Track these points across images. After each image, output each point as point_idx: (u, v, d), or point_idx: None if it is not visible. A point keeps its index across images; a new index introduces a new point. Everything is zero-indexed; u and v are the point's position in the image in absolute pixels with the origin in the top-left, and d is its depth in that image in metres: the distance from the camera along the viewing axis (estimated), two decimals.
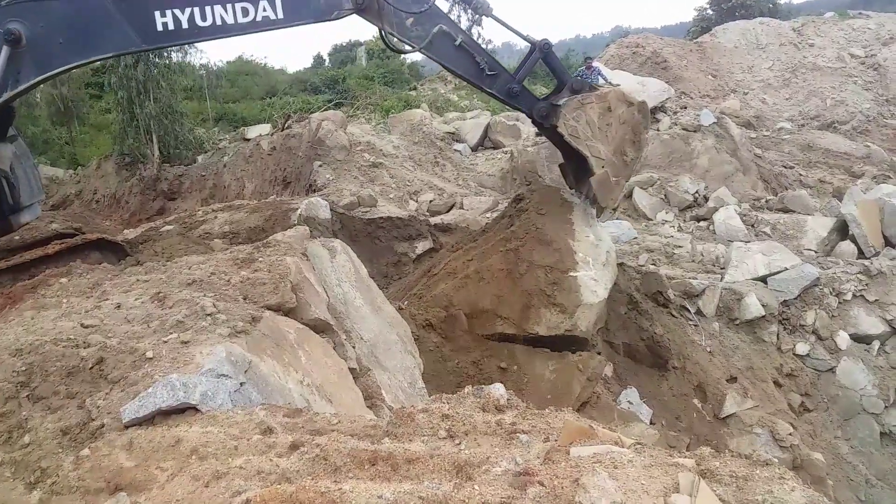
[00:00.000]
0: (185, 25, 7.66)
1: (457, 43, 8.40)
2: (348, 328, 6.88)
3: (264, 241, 7.35)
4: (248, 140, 21.49)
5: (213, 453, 3.17)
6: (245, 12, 7.73)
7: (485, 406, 3.43)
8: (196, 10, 7.61)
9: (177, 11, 7.60)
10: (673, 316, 10.63)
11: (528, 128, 22.10)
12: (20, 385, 4.10)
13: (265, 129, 22.75)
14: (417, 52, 8.66)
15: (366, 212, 11.16)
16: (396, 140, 19.16)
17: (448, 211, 14.39)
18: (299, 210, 9.42)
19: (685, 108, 20.23)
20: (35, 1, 7.56)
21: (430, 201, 15.29)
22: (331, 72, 35.36)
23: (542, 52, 8.83)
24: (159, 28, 7.64)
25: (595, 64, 18.71)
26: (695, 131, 17.33)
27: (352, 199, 11.69)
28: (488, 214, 14.47)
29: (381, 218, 10.68)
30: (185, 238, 9.10)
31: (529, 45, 8.96)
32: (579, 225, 8.97)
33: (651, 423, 8.98)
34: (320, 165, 15.99)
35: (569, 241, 8.75)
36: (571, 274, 8.52)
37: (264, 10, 7.75)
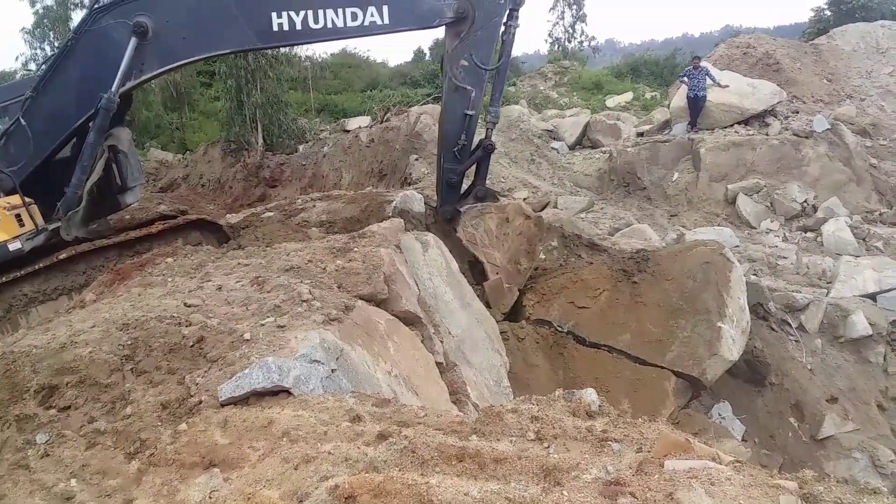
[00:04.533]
0: (298, 27, 8.14)
1: (467, 112, 8.81)
2: (437, 322, 6.91)
3: (360, 231, 7.47)
4: (348, 131, 21.89)
5: (304, 437, 3.22)
6: (354, 17, 8.18)
7: (575, 411, 3.36)
8: (310, 13, 8.09)
9: (292, 14, 8.07)
10: (773, 330, 10.17)
11: (628, 128, 21.64)
12: (125, 358, 4.30)
13: (364, 121, 23.14)
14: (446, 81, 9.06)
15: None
16: (492, 136, 19.10)
17: (542, 209, 14.23)
18: (394, 202, 9.51)
19: (797, 112, 19.29)
20: None
21: (525, 199, 15.16)
22: (431, 66, 35.55)
23: (484, 151, 9.18)
24: (275, 28, 8.13)
25: (703, 64, 18.14)
26: (806, 137, 16.52)
27: None
28: (583, 215, 14.25)
29: None
30: (284, 225, 9.35)
31: (480, 141, 9.22)
32: (735, 285, 9.01)
33: (743, 440, 8.65)
34: (416, 159, 16.11)
35: (724, 294, 8.80)
36: (718, 324, 8.54)
37: (372, 15, 8.20)
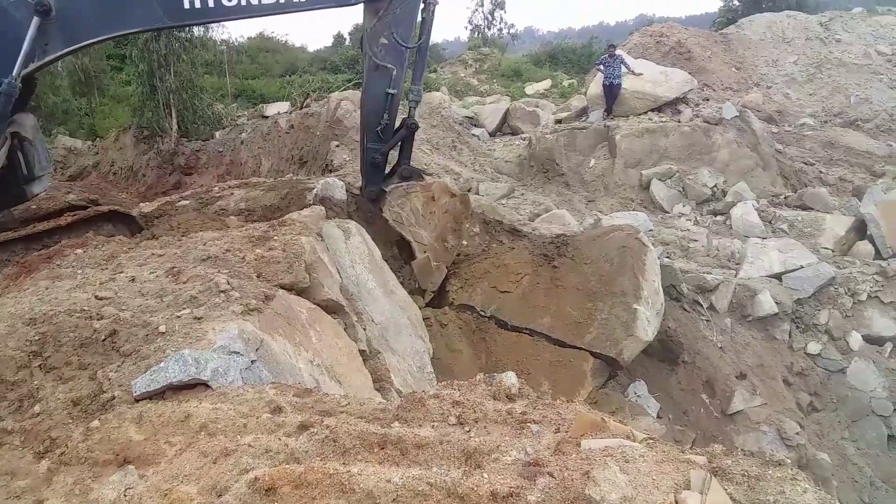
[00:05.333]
0: (211, 4, 7.74)
1: (389, 91, 8.64)
2: (360, 310, 6.89)
3: (280, 219, 7.35)
4: (267, 117, 21.44)
5: (223, 430, 3.17)
6: None
7: (496, 394, 3.41)
8: None
9: None
10: (685, 310, 10.55)
11: (546, 115, 21.96)
12: (33, 354, 4.13)
13: (284, 106, 22.71)
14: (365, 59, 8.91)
15: None
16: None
17: None
18: (315, 190, 9.38)
19: (707, 100, 20.01)
20: None
21: None
22: (351, 51, 35.14)
23: (408, 130, 9.07)
24: (186, 6, 7.70)
25: (618, 52, 18.57)
26: (716, 124, 17.14)
27: None
28: (504, 201, 14.41)
29: None
30: (200, 213, 9.10)
31: (403, 120, 9.16)
32: (650, 268, 9.21)
33: (658, 417, 8.96)
34: (337, 145, 15.94)
35: (639, 277, 8.99)
36: (634, 306, 8.73)
37: None
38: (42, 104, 26.25)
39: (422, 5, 8.66)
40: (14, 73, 7.39)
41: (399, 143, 9.19)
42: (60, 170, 23.22)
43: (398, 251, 9.52)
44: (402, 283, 8.67)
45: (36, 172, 8.50)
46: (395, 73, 8.57)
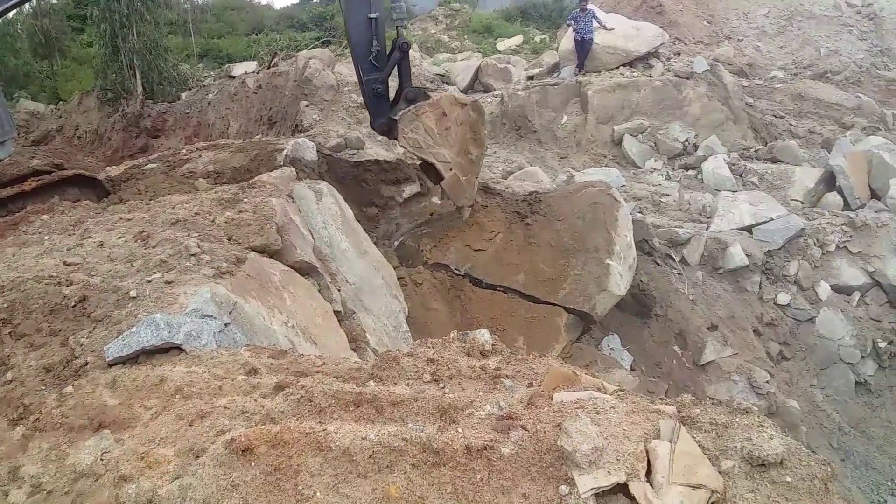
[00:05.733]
0: None
1: (371, 16, 8.36)
2: (333, 271, 6.88)
3: (249, 181, 7.28)
4: (234, 77, 21.00)
5: (198, 393, 3.17)
6: None
7: (469, 351, 3.44)
8: None
9: None
10: (657, 264, 10.67)
11: (518, 71, 21.79)
12: (2, 322, 4.08)
13: (251, 66, 22.27)
14: None
15: (353, 154, 10.98)
16: None
17: None
18: (285, 151, 9.27)
19: (679, 54, 19.97)
20: None
21: None
22: (318, 8, 34.47)
23: (401, 51, 8.79)
24: None
25: (589, 6, 18.39)
26: (687, 78, 17.14)
27: (339, 141, 11.47)
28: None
29: (368, 161, 10.52)
30: (168, 177, 8.96)
31: (393, 42, 8.85)
32: (622, 223, 9.25)
33: (632, 370, 9.12)
34: (307, 105, 15.69)
35: (611, 232, 9.03)
36: (607, 261, 8.80)
37: None
38: (1, 68, 25.52)
39: None
40: None
41: (396, 67, 8.88)
42: (23, 135, 22.67)
43: (425, 175, 9.37)
44: (375, 243, 8.67)
45: None
46: None
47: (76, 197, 8.05)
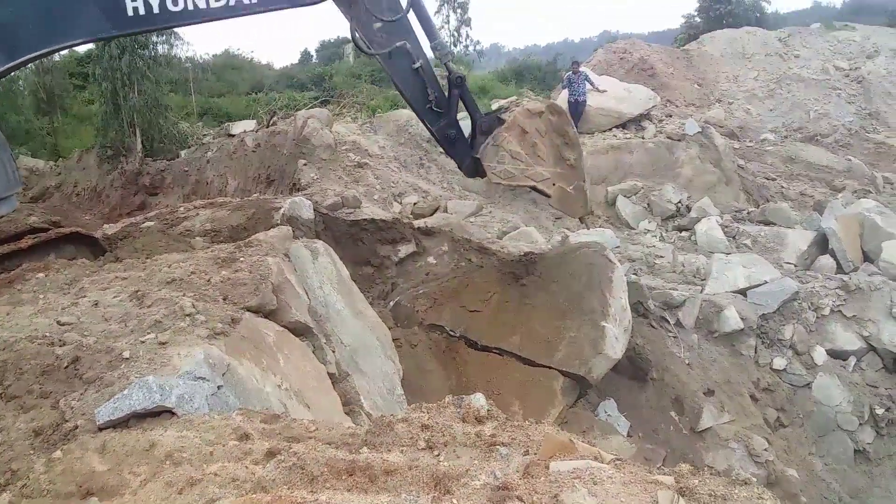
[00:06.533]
0: (156, 10, 7.31)
1: (415, 66, 8.16)
2: (328, 332, 6.84)
3: (246, 240, 7.29)
4: (233, 136, 21.25)
5: (188, 459, 3.12)
6: None
7: (465, 417, 3.41)
8: None
9: None
10: (653, 327, 10.65)
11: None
12: None
13: (250, 125, 22.55)
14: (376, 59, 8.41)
15: (350, 213, 11.07)
16: (382, 140, 19.09)
17: (432, 214, 14.34)
18: (282, 209, 9.33)
19: (670, 116, 20.36)
20: None
21: (415, 204, 15.24)
22: (318, 68, 35.12)
23: (458, 85, 8.57)
24: (130, 13, 7.28)
25: (582, 69, 18.84)
26: (679, 140, 17.45)
27: (336, 200, 11.59)
28: (473, 219, 14.47)
29: (364, 220, 10.60)
30: (165, 235, 8.98)
31: (448, 80, 8.63)
32: (617, 285, 9.16)
33: (629, 436, 9.00)
34: (305, 164, 15.88)
35: (606, 294, 8.92)
36: (602, 323, 8.69)
37: None
38: (2, 124, 25.79)
39: None
40: None
41: (457, 102, 8.60)
42: (23, 191, 22.77)
43: (537, 194, 8.89)
44: (371, 303, 8.65)
45: (1, 193, 8.30)
46: (409, 45, 8.05)
47: (73, 255, 8.04)
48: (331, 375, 6.11)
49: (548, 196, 8.62)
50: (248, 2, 7.54)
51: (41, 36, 7.44)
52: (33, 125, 29.21)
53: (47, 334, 4.56)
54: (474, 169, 8.80)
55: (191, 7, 7.36)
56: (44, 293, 5.85)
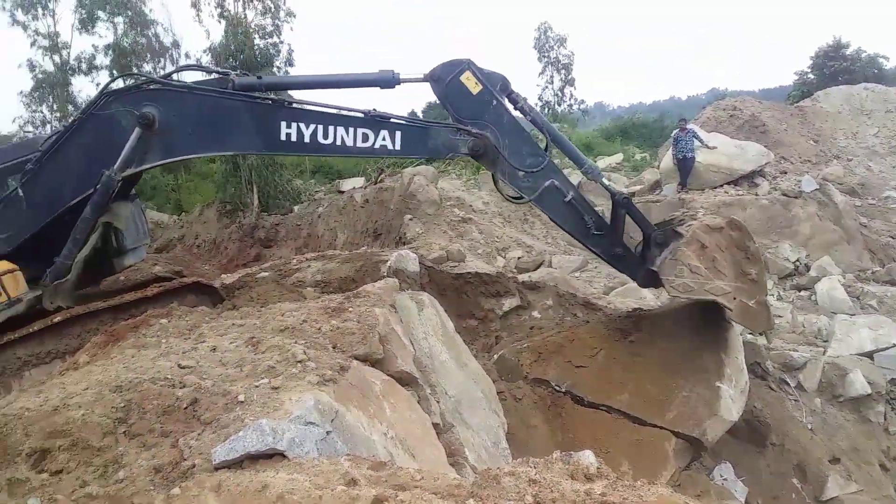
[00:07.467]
0: (306, 140, 7.90)
1: (566, 199, 8.32)
2: (433, 382, 6.85)
3: (355, 291, 7.47)
4: (343, 192, 22.11)
5: (298, 501, 3.16)
6: (365, 138, 7.92)
7: (573, 473, 3.31)
8: (320, 127, 7.88)
9: (301, 125, 7.87)
10: (772, 389, 10.11)
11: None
12: (118, 421, 4.24)
13: (359, 182, 23.38)
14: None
15: (454, 266, 11.17)
16: (486, 196, 19.29)
17: (536, 269, 14.28)
18: (389, 262, 9.52)
19: (785, 173, 19.61)
20: (175, 91, 8.05)
21: (519, 258, 15.23)
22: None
23: (624, 205, 8.67)
24: (282, 138, 7.91)
25: (690, 126, 18.51)
26: (795, 197, 16.76)
27: (441, 254, 11.74)
28: (577, 274, 14.29)
29: (468, 273, 10.66)
30: (279, 285, 9.33)
31: (612, 200, 8.75)
32: (733, 344, 8.86)
33: (746, 502, 8.51)
34: (411, 219, 16.22)
35: (721, 353, 8.65)
36: (717, 384, 8.40)
37: (383, 139, 7.95)
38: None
39: (514, 111, 8.44)
40: (115, 168, 7.80)
41: (624, 220, 8.70)
42: (149, 243, 24.34)
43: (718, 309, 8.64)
44: (475, 355, 8.63)
45: (128, 246, 8.89)
46: (557, 182, 8.29)
47: (193, 303, 8.47)
48: (435, 426, 6.09)
49: (729, 310, 8.36)
50: (390, 148, 8.03)
51: (199, 143, 8.15)
52: (160, 182, 31.28)
53: (169, 376, 4.78)
54: (650, 280, 8.76)
55: (338, 143, 7.92)
56: (166, 338, 6.16)
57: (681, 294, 8.25)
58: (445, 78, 8.08)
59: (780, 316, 12.74)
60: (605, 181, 8.83)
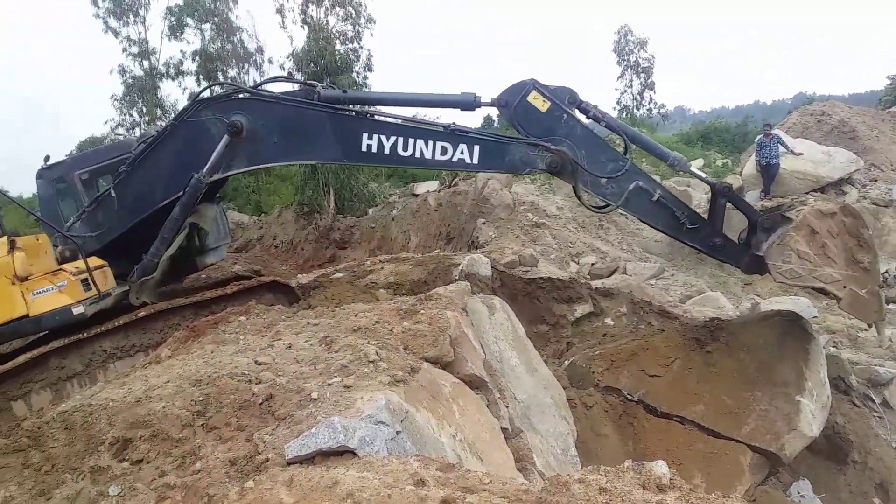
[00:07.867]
0: (386, 151, 8.09)
1: (654, 199, 8.19)
2: (503, 387, 6.84)
3: (427, 294, 7.53)
4: (417, 196, 22.27)
5: (367, 499, 3.20)
6: (444, 151, 8.04)
7: (645, 483, 3.24)
8: (400, 140, 8.04)
9: (382, 137, 8.06)
10: (855, 405, 9.67)
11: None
12: (196, 414, 4.40)
13: (433, 185, 23.49)
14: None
15: (526, 271, 11.11)
16: (560, 201, 19.11)
17: (610, 275, 14.06)
18: (461, 265, 9.54)
19: (875, 181, 18.75)
20: (263, 101, 8.38)
21: (592, 264, 15.02)
22: (499, 132, 35.97)
23: (724, 195, 8.48)
24: (363, 149, 8.12)
25: (774, 131, 17.89)
26: (886, 206, 16.03)
27: (513, 258, 11.69)
28: (653, 281, 14.01)
29: (541, 278, 10.58)
30: (352, 286, 9.49)
31: (710, 190, 8.61)
32: (815, 357, 8.55)
33: None
34: (483, 223, 16.22)
35: (802, 366, 8.37)
36: (797, 398, 8.14)
37: (462, 153, 8.04)
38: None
39: (586, 120, 8.39)
40: (203, 172, 8.14)
41: (724, 210, 8.61)
42: (230, 243, 25.12)
43: (824, 295, 8.56)
44: (545, 361, 8.56)
45: (210, 245, 9.23)
46: (641, 183, 8.18)
47: (270, 301, 8.72)
48: (504, 431, 6.08)
49: (838, 299, 8.14)
50: (468, 161, 8.13)
51: (283, 151, 8.46)
52: (240, 183, 32.15)
53: (245, 372, 4.92)
54: (756, 266, 8.57)
55: (417, 156, 8.09)
56: (244, 334, 6.35)
57: (787, 280, 8.02)
58: (513, 102, 8.08)
59: (865, 329, 12.18)
60: (698, 171, 8.55)
